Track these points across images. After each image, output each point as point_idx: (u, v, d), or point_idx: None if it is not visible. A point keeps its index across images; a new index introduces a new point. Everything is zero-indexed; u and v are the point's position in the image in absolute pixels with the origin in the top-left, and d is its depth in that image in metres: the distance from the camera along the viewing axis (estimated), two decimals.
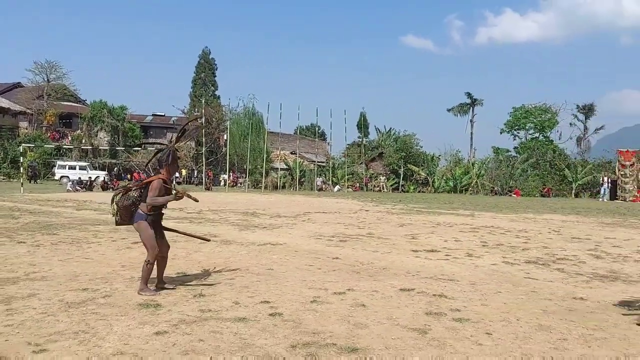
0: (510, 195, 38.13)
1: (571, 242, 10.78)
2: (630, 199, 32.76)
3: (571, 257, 8.75)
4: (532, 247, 9.84)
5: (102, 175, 36.07)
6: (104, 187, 31.56)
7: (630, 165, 33.73)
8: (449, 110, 61.08)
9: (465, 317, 4.82)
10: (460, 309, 5.15)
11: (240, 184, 40.39)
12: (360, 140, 51.29)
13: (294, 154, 42.59)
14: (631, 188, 33.48)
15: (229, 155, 39.17)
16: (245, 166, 38.30)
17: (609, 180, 34.65)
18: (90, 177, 33.50)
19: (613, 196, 33.82)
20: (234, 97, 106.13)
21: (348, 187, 39.69)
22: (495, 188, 41.05)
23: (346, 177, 40.51)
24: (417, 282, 6.38)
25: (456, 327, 4.53)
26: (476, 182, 42.00)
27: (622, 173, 34.04)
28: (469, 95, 58.90)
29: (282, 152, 43.42)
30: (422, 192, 41.65)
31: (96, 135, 46.45)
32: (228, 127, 42.14)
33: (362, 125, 53.18)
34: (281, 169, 40.83)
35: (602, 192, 34.38)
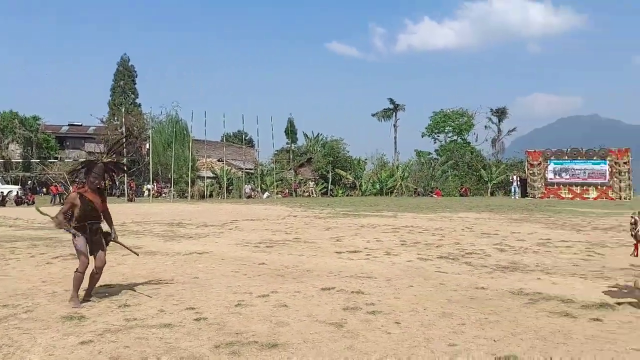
0: (432, 196, 39.92)
1: (481, 238, 11.67)
2: (539, 195, 35.36)
3: (479, 251, 9.54)
4: (445, 244, 10.59)
5: (15, 189, 34.06)
6: (18, 202, 29.89)
7: (538, 164, 36.40)
8: (373, 115, 62.78)
9: (379, 310, 5.26)
10: (374, 303, 5.58)
11: (165, 194, 39.51)
12: (289, 146, 51.68)
13: (221, 161, 42.26)
14: (539, 185, 36.13)
15: (152, 164, 38.23)
16: (170, 175, 37.54)
17: (518, 179, 37.25)
18: (2, 192, 31.55)
19: (524, 193, 36.35)
20: (156, 105, 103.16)
21: (277, 194, 39.90)
22: (418, 189, 42.80)
23: (275, 183, 40.70)
24: (338, 281, 6.78)
25: (369, 319, 4.95)
26: (400, 184, 43.57)
27: (530, 172, 36.67)
28: (391, 101, 60.89)
29: (208, 160, 42.87)
30: (350, 195, 42.62)
31: (7, 148, 43.75)
32: (150, 135, 41.12)
33: (290, 131, 53.60)
34: (208, 178, 40.31)
35: (512, 190, 36.87)
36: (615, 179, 34.21)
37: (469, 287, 6.40)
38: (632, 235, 5.82)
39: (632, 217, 5.78)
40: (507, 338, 4.39)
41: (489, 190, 42.62)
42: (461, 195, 41.16)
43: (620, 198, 33.19)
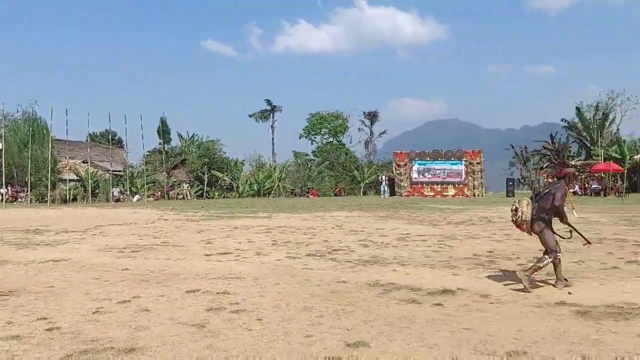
0: (308, 196, 40.95)
1: (348, 235, 12.29)
2: (405, 194, 37.93)
3: (344, 247, 10.06)
4: (315, 242, 11.00)
5: None
6: None
7: (404, 165, 39.02)
8: (250, 116, 62.79)
9: (242, 309, 5.38)
10: (239, 302, 5.69)
11: (22, 198, 36.04)
12: (161, 146, 49.73)
13: (86, 162, 39.55)
14: (405, 185, 38.75)
15: (6, 166, 34.67)
16: (27, 178, 34.35)
17: (387, 178, 39.70)
18: None
19: (392, 192, 38.74)
20: (10, 103, 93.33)
21: (149, 197, 38.27)
22: (295, 190, 43.67)
23: (146, 185, 38.99)
24: (204, 283, 6.77)
25: (232, 318, 5.05)
26: (278, 185, 44.10)
27: (398, 172, 39.20)
28: (268, 102, 61.40)
29: (71, 161, 39.85)
30: (227, 197, 42.19)
31: None
32: (3, 135, 37.24)
33: (163, 131, 51.57)
34: (71, 180, 37.44)
35: (382, 189, 39.18)
36: (470, 178, 37.78)
37: (332, 282, 6.76)
38: (512, 220, 6.45)
39: (513, 204, 6.43)
40: (359, 326, 4.74)
41: (362, 189, 44.78)
42: (336, 195, 42.76)
43: (474, 195, 36.74)
